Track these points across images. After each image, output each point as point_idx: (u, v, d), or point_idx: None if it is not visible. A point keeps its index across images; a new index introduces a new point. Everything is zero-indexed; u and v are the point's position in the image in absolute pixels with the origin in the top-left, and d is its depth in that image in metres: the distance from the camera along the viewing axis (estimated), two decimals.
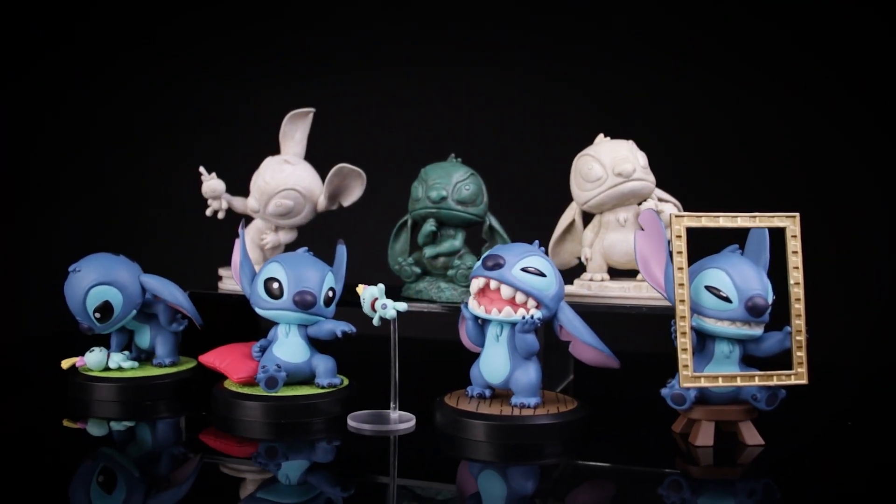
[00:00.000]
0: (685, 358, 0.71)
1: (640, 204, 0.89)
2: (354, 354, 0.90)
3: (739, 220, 0.73)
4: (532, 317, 0.74)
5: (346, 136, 1.44)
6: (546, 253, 0.79)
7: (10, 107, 1.63)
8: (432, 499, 0.64)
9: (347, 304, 0.86)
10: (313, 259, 0.85)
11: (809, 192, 1.48)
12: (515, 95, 1.59)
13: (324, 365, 0.83)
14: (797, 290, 0.72)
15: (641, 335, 1.01)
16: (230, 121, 1.60)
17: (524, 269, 0.75)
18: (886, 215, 1.46)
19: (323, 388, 0.82)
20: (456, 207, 0.91)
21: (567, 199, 0.94)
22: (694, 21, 1.52)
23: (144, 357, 0.93)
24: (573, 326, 0.77)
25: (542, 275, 0.76)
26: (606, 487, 0.67)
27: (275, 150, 1.03)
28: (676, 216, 0.73)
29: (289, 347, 0.83)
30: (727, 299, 0.71)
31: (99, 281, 0.86)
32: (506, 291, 0.75)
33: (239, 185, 1.02)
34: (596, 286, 0.90)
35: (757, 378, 0.71)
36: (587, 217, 0.93)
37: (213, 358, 0.87)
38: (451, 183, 0.91)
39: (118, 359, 0.89)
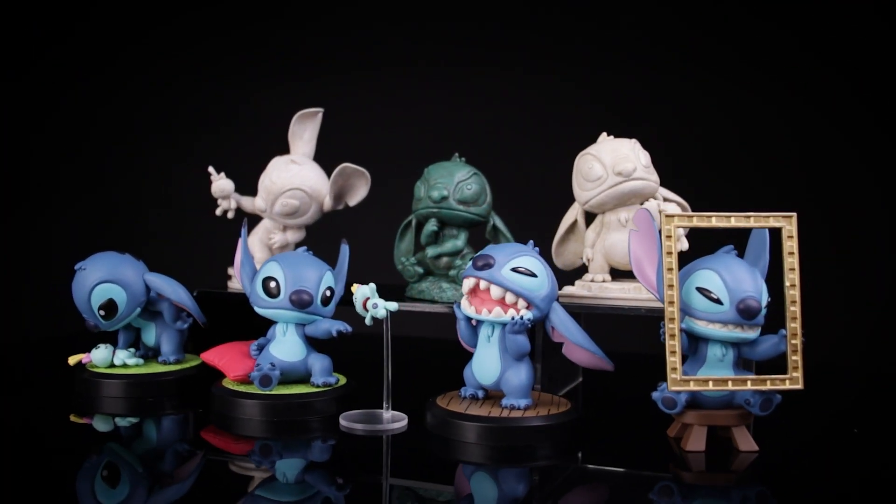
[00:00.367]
0: (674, 361, 0.69)
1: (642, 203, 0.87)
2: (353, 354, 0.90)
3: (733, 220, 0.70)
4: (522, 317, 0.74)
5: (347, 136, 1.44)
6: (546, 254, 0.78)
7: (10, 107, 1.63)
8: (432, 500, 0.64)
9: (347, 303, 0.86)
10: (312, 258, 0.85)
11: (809, 192, 1.48)
12: (517, 95, 1.59)
13: (320, 364, 0.83)
14: (793, 293, 0.69)
15: (642, 337, 1.00)
16: (230, 121, 1.60)
17: (514, 270, 0.74)
18: (886, 215, 1.45)
19: (318, 386, 0.82)
20: (457, 207, 0.90)
21: (569, 199, 0.93)
22: (694, 21, 1.52)
23: (151, 354, 0.94)
24: (565, 328, 0.76)
25: (533, 275, 0.75)
26: (596, 491, 0.67)
27: (275, 149, 1.03)
28: (667, 216, 0.71)
29: (285, 346, 0.83)
30: (718, 301, 0.69)
31: (103, 279, 0.87)
32: (495, 292, 0.74)
33: (239, 185, 1.02)
34: (596, 287, 0.89)
35: (750, 382, 0.68)
36: (589, 217, 0.92)
37: (213, 355, 0.88)
38: (452, 182, 0.90)
39: (123, 356, 0.90)
